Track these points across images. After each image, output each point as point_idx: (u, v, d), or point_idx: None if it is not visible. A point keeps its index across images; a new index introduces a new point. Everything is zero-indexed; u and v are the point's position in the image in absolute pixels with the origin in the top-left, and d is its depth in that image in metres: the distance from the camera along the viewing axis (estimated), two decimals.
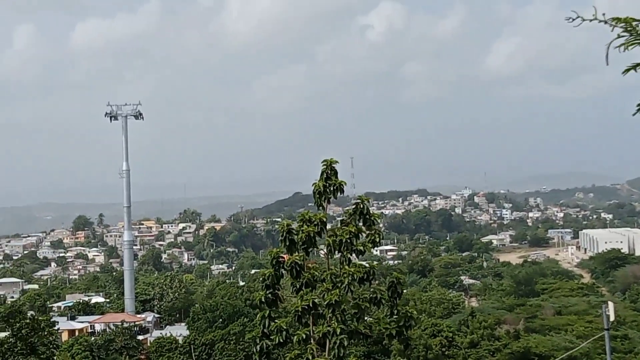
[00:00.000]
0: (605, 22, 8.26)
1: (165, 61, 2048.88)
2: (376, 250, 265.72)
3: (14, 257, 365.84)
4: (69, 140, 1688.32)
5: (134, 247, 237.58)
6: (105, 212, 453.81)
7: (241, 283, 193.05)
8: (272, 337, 20.00)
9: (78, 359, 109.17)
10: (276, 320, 20.09)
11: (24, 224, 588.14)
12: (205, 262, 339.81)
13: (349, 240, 19.89)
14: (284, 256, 20.32)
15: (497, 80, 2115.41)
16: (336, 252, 20.12)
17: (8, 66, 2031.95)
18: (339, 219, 21.37)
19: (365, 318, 20.55)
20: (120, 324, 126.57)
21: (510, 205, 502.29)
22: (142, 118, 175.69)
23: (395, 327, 20.28)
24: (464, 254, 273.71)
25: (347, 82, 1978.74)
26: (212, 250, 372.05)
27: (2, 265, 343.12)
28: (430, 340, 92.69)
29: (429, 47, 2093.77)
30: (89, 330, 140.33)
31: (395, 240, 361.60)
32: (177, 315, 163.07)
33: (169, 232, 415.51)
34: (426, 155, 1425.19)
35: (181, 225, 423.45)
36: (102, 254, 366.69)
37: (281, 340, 19.86)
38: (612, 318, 48.28)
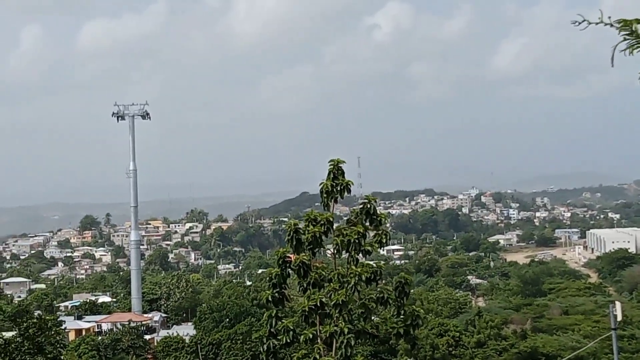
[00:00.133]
0: (612, 25, 8.24)
1: (172, 61, 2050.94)
2: (383, 250, 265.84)
3: (21, 257, 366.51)
4: (75, 141, 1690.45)
5: (141, 246, 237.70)
6: (112, 212, 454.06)
7: (248, 283, 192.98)
8: (279, 337, 20.02)
9: (85, 358, 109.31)
10: (283, 320, 20.11)
11: (31, 224, 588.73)
12: (212, 261, 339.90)
13: (357, 241, 19.90)
14: (291, 256, 20.34)
15: (503, 81, 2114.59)
16: (344, 251, 20.15)
17: (15, 67, 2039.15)
18: (345, 218, 21.37)
19: (372, 318, 20.58)
20: (127, 323, 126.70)
21: (517, 205, 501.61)
22: (149, 118, 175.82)
23: (402, 326, 20.30)
24: (470, 254, 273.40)
25: (354, 82, 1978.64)
26: (219, 250, 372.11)
27: (9, 265, 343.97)
28: (437, 339, 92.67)
29: (435, 47, 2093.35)
30: (96, 330, 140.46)
31: (402, 240, 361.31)
32: (184, 315, 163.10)
33: (175, 232, 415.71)
34: (433, 155, 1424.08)
35: (188, 225, 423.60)
36: (109, 253, 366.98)
37: (288, 340, 19.88)
38: (619, 318, 48.30)
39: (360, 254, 20.14)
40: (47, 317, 69.64)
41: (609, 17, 8.30)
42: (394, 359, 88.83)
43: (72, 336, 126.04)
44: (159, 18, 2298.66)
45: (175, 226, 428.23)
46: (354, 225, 20.27)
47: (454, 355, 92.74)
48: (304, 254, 20.08)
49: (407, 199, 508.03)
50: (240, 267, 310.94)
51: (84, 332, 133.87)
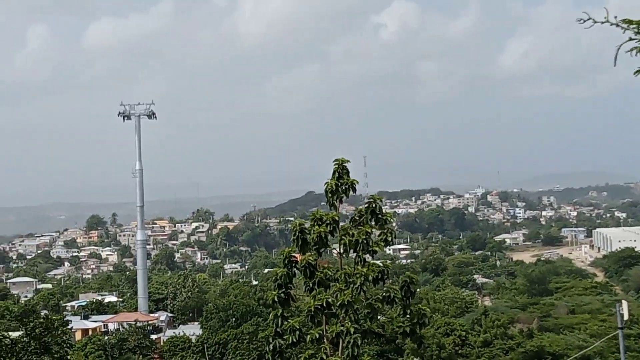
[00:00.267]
0: (617, 25, 8.23)
1: (177, 61, 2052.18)
2: (389, 249, 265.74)
3: (28, 257, 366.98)
4: (81, 140, 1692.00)
5: (147, 246, 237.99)
6: (118, 212, 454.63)
7: (254, 282, 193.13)
8: (285, 337, 20.02)
9: (92, 358, 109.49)
10: (289, 320, 20.10)
11: (37, 224, 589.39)
12: (218, 261, 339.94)
13: (365, 241, 19.89)
14: (297, 255, 20.33)
15: (510, 79, 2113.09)
16: (351, 251, 20.14)
17: (21, 67, 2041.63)
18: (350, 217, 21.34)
19: (379, 317, 20.56)
20: (133, 323, 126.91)
21: (524, 204, 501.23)
22: (155, 117, 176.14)
23: (408, 325, 20.28)
24: (477, 253, 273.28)
25: (360, 82, 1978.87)
26: (225, 250, 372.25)
27: (15, 265, 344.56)
28: (443, 339, 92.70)
29: (441, 46, 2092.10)
30: (103, 330, 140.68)
31: (408, 239, 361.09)
32: (190, 315, 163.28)
33: (182, 232, 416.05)
34: (439, 154, 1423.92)
35: (194, 225, 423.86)
36: (116, 253, 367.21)
37: (294, 340, 19.87)
38: (626, 317, 48.26)
39: (368, 255, 20.12)
40: (54, 317, 69.73)
41: (615, 17, 8.30)
42: (400, 358, 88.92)
43: (78, 336, 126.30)
44: (164, 18, 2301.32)
45: (181, 226, 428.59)
46: (360, 225, 20.25)
47: (460, 354, 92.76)
48: (309, 253, 20.06)
49: (413, 198, 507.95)
50: (246, 267, 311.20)
51: (90, 332, 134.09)
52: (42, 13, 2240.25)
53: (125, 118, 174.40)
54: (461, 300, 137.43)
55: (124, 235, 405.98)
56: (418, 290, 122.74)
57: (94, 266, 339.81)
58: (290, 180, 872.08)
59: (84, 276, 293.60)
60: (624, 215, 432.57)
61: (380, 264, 20.11)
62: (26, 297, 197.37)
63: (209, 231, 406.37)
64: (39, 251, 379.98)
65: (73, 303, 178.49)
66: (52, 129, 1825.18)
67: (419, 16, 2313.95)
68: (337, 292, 19.58)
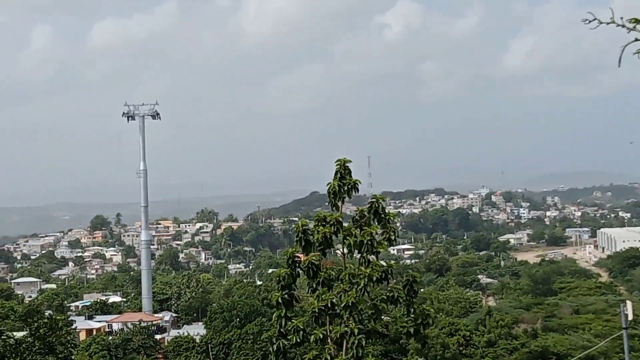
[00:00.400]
0: (623, 26, 8.19)
1: (182, 61, 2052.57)
2: (393, 250, 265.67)
3: (32, 257, 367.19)
4: (86, 140, 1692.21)
5: (152, 246, 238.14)
6: (122, 212, 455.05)
7: (258, 282, 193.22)
8: (289, 337, 20.02)
9: (96, 358, 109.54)
10: (293, 320, 20.10)
11: (41, 224, 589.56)
12: (223, 261, 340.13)
13: (369, 242, 19.88)
14: (300, 256, 20.33)
15: (513, 79, 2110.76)
16: (356, 252, 20.14)
17: (25, 67, 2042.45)
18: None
19: (382, 317, 20.55)
20: (137, 323, 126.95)
21: (528, 204, 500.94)
22: (159, 118, 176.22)
23: (412, 325, 20.28)
24: (481, 253, 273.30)
25: (364, 81, 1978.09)
26: (229, 250, 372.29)
27: (20, 265, 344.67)
28: (447, 339, 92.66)
29: (445, 46, 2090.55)
30: (107, 330, 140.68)
31: (413, 240, 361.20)
32: (195, 315, 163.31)
33: (186, 232, 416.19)
34: (443, 154, 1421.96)
35: (198, 225, 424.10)
36: (120, 253, 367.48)
37: (298, 340, 19.87)
38: (630, 317, 48.19)
39: (372, 255, 20.12)
40: (58, 317, 69.70)
41: (621, 18, 8.26)
42: (404, 358, 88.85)
43: (82, 336, 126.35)
44: (168, 18, 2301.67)
45: (185, 226, 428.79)
46: (363, 225, 20.24)
47: (464, 354, 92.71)
48: (313, 254, 20.06)
49: (417, 199, 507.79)
50: (250, 267, 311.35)
51: (94, 332, 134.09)
52: (45, 13, 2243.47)
53: (130, 118, 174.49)
54: (465, 300, 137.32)
55: (128, 236, 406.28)
56: (422, 290, 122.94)
57: (98, 266, 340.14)
58: (295, 180, 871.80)
59: (88, 276, 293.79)
60: (629, 215, 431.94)
61: (384, 264, 20.11)
62: (30, 297, 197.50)
63: (213, 231, 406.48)
64: (43, 251, 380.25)
65: (77, 303, 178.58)
66: (56, 129, 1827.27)
67: (422, 16, 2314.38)
68: (341, 292, 19.58)
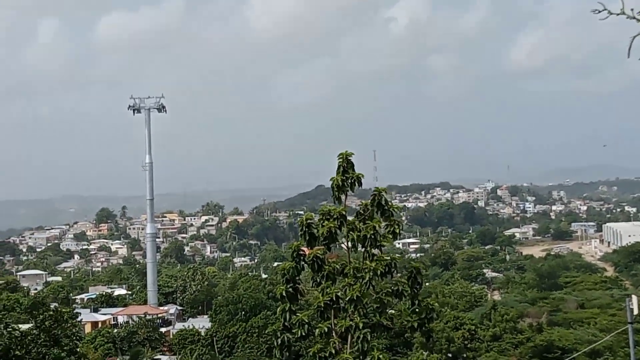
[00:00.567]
0: (633, 18, 8.11)
1: (188, 55, 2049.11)
2: (398, 243, 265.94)
3: (38, 249, 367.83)
4: (91, 134, 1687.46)
5: (157, 239, 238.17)
6: (128, 205, 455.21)
7: (264, 276, 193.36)
8: (293, 331, 19.99)
9: (101, 350, 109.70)
10: (298, 314, 20.07)
11: (47, 217, 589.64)
12: (228, 254, 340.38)
13: (372, 236, 19.83)
14: (305, 249, 20.30)
15: (520, 74, 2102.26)
16: (359, 246, 20.08)
17: (31, 60, 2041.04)
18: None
19: (387, 311, 20.50)
20: (142, 316, 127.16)
21: (534, 198, 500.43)
22: (165, 111, 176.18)
23: (417, 319, 20.24)
24: (486, 247, 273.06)
25: (370, 76, 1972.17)
26: (234, 243, 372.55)
27: (25, 258, 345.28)
28: (452, 333, 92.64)
29: (452, 40, 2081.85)
30: (112, 322, 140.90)
31: (418, 234, 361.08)
32: (200, 308, 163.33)
33: (191, 225, 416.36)
34: (449, 148, 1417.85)
35: (204, 218, 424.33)
36: (125, 246, 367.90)
37: (303, 334, 19.85)
38: (635, 311, 48.05)
39: (376, 249, 20.07)
40: (63, 310, 69.86)
41: (632, 9, 8.19)
42: (409, 352, 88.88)
43: (88, 328, 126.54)
44: (175, 12, 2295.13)
45: (190, 219, 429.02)
46: (367, 219, 20.20)
47: (469, 348, 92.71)
48: (318, 247, 20.02)
49: (422, 192, 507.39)
50: (255, 260, 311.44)
51: (100, 325, 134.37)
52: (52, 7, 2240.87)
53: (135, 111, 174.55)
54: (470, 294, 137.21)
55: (134, 229, 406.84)
56: (427, 284, 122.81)
57: (103, 259, 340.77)
58: (300, 174, 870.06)
59: (93, 269, 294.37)
60: (634, 209, 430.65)
61: (388, 257, 20.04)
62: (36, 289, 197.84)
63: (219, 224, 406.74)
64: (48, 244, 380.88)
65: (83, 296, 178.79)
66: (62, 122, 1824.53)
67: (429, 10, 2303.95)
68: (346, 286, 19.55)
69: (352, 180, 20.36)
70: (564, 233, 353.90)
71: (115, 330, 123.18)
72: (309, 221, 20.20)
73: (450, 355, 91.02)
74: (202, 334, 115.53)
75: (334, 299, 19.39)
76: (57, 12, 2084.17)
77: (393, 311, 21.35)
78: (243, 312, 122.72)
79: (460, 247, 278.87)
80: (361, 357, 19.21)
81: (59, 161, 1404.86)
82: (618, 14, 8.19)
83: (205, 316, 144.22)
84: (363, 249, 20.04)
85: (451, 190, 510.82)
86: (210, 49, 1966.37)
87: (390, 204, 20.51)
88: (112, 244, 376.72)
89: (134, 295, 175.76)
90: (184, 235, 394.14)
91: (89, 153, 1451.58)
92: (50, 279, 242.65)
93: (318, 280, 20.01)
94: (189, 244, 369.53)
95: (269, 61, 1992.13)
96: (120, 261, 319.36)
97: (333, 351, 19.30)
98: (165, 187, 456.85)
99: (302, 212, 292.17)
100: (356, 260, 20.16)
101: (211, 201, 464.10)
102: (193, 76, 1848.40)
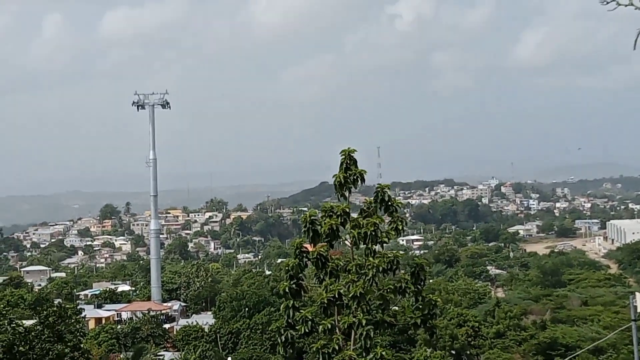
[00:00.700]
0: None
1: (194, 51, 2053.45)
2: (402, 240, 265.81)
3: (42, 245, 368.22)
4: (96, 129, 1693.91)
5: (161, 235, 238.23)
6: (132, 201, 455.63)
7: (267, 272, 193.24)
8: (297, 327, 20.00)
9: (105, 346, 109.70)
10: (301, 310, 20.08)
11: (51, 213, 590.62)
12: (232, 251, 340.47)
13: (373, 233, 19.83)
14: (308, 246, 20.31)
15: (525, 70, 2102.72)
16: (361, 243, 20.08)
17: (36, 56, 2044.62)
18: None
19: (391, 307, 20.51)
20: (146, 312, 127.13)
21: (538, 195, 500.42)
22: (169, 107, 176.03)
23: (420, 316, 20.25)
24: (490, 244, 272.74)
25: (375, 72, 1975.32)
26: (238, 240, 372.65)
27: (29, 253, 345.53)
28: (456, 330, 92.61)
29: (457, 36, 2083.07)
30: (116, 319, 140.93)
31: (422, 230, 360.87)
32: (203, 304, 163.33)
33: (195, 221, 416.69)
34: (453, 145, 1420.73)
35: (208, 214, 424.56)
36: (129, 242, 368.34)
37: (306, 330, 19.86)
38: (639, 309, 48.04)
39: (378, 245, 20.07)
40: (67, 306, 69.79)
41: None
42: (413, 349, 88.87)
43: (91, 325, 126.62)
44: (180, 7, 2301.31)
45: (194, 215, 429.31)
46: (369, 216, 20.20)
47: (473, 345, 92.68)
48: (321, 244, 20.04)
49: (426, 189, 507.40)
50: (259, 257, 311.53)
51: (103, 321, 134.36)
52: (57, 2, 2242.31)
53: (140, 107, 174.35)
54: (474, 291, 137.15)
55: (138, 225, 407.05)
56: (431, 281, 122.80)
57: (107, 255, 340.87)
58: (304, 170, 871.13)
59: (97, 265, 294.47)
60: (638, 207, 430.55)
61: (390, 254, 20.04)
62: (40, 285, 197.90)
63: (223, 221, 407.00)
64: (52, 240, 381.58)
65: (86, 292, 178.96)
66: (67, 118, 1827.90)
67: (434, 6, 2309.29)
68: (349, 283, 19.55)
69: (355, 177, 20.35)
70: (568, 230, 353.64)
71: (119, 327, 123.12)
72: (312, 218, 20.21)
73: (453, 352, 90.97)
74: (206, 330, 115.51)
75: (337, 295, 19.41)
76: (62, 7, 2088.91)
77: (396, 308, 21.34)
78: (247, 309, 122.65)
79: (464, 244, 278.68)
80: (364, 353, 19.23)
81: (63, 157, 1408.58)
82: (627, 5, 8.20)
83: (209, 312, 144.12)
84: (365, 246, 20.05)
85: (455, 187, 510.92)
86: (215, 44, 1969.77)
87: (393, 200, 20.51)
88: (116, 240, 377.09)
89: (137, 292, 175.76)
90: (187, 231, 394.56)
91: (93, 149, 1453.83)
92: (54, 274, 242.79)
93: (321, 277, 20.03)
94: (193, 240, 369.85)
95: (273, 56, 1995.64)
96: (124, 257, 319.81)
97: (336, 348, 19.32)
98: (170, 183, 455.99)
99: (305, 209, 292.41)
100: (359, 257, 20.16)
101: (215, 197, 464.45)
102: (197, 71, 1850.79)
